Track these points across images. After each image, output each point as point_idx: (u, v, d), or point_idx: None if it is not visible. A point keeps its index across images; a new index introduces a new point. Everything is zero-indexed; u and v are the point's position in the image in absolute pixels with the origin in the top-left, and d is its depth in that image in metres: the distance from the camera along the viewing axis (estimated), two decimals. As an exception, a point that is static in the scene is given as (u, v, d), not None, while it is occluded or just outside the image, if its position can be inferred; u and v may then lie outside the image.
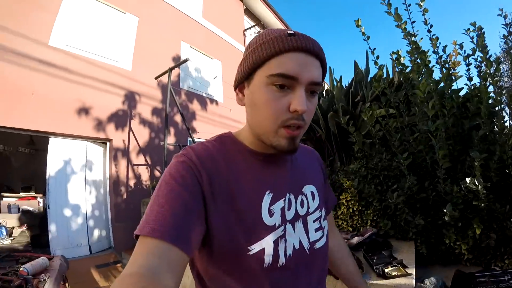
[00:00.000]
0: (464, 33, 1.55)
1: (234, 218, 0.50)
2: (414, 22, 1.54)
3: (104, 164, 5.04)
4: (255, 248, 0.50)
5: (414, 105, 1.65)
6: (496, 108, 1.47)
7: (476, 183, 1.21)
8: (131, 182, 5.16)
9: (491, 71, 1.40)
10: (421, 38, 1.52)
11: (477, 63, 1.56)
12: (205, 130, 6.72)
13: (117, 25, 5.30)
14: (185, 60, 4.37)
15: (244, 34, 9.26)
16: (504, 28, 1.52)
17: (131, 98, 5.31)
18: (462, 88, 1.64)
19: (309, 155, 0.72)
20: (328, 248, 0.66)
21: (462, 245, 1.36)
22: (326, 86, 3.14)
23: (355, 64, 2.49)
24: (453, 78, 1.58)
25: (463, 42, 1.60)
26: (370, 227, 1.69)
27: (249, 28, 9.44)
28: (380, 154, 1.77)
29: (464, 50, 1.61)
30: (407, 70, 1.68)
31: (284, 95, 0.49)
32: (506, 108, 1.47)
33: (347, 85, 2.55)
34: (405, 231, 1.55)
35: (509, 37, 1.51)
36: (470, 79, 1.65)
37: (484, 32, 1.48)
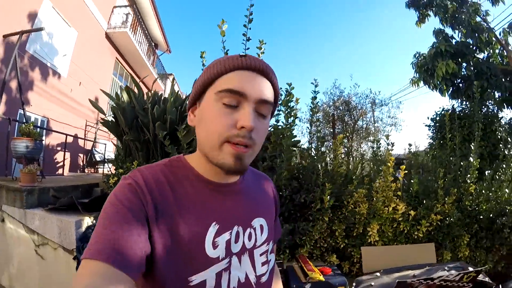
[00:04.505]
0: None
1: (175, 246, 0.47)
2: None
3: None
4: (196, 279, 0.48)
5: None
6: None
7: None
8: None
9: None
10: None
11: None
12: (38, 104, 5.63)
13: None
14: (40, 29, 4.36)
15: (113, 11, 8.27)
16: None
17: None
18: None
19: (264, 184, 0.69)
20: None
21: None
22: (166, 94, 3.26)
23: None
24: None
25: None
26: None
27: (120, 6, 8.47)
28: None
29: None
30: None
31: (232, 112, 0.49)
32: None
33: (185, 97, 2.83)
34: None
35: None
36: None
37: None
